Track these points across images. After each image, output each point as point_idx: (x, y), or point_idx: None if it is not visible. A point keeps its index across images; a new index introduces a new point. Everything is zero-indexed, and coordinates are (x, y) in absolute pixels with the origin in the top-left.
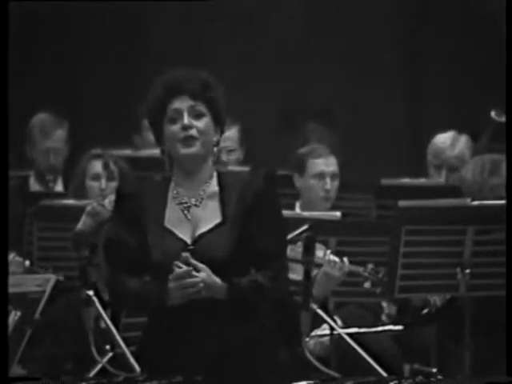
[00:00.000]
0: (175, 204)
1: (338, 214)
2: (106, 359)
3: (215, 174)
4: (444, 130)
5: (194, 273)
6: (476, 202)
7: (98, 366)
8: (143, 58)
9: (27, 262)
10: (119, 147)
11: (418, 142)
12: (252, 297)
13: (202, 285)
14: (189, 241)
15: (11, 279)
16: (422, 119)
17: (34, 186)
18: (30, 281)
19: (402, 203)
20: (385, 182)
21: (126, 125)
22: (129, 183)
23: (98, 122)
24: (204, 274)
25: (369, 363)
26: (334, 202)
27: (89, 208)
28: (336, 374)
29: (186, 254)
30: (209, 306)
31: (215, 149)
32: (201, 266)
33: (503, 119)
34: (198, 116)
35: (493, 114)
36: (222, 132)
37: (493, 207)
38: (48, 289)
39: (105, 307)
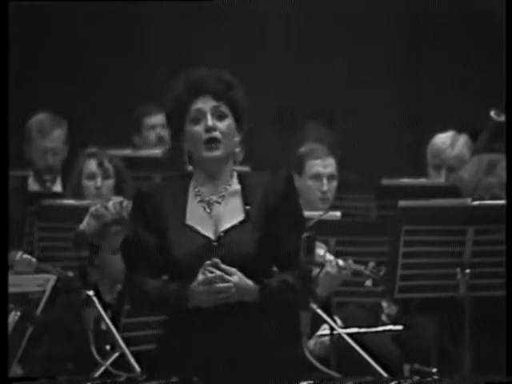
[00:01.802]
0: (196, 201)
1: (338, 213)
2: (110, 361)
3: (235, 174)
4: (444, 130)
5: (226, 277)
6: (476, 202)
7: (102, 368)
8: (143, 58)
9: (34, 260)
10: (119, 147)
11: (417, 142)
12: (282, 297)
13: (233, 290)
14: (212, 237)
15: (11, 279)
16: (421, 119)
17: (33, 185)
18: (30, 281)
19: (402, 203)
20: (385, 182)
21: (125, 125)
22: (147, 185)
23: (98, 122)
24: (236, 277)
25: (369, 363)
26: (334, 202)
27: (92, 209)
28: (336, 374)
29: (216, 260)
30: (232, 307)
31: (236, 149)
32: (233, 270)
33: (502, 119)
34: (220, 117)
35: (492, 113)
36: (244, 133)
37: (493, 207)
38: (48, 289)
39: (105, 307)
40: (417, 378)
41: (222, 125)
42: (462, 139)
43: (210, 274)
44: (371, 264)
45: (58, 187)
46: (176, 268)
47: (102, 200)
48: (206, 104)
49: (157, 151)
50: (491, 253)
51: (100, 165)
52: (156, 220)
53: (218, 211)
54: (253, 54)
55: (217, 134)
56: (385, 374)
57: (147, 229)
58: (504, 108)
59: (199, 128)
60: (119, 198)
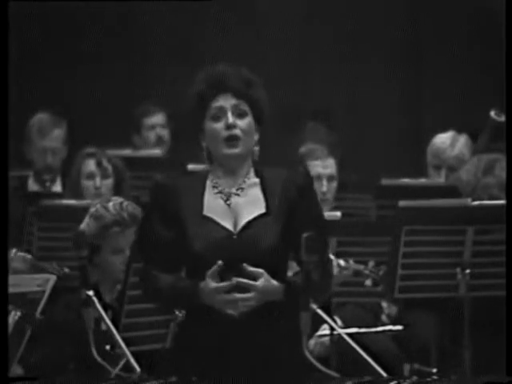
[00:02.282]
0: (214, 193)
1: (338, 213)
2: (119, 366)
3: (252, 170)
4: (444, 130)
5: (251, 283)
6: (476, 202)
7: (113, 373)
8: (143, 59)
9: (29, 257)
10: (119, 147)
11: (417, 142)
12: (305, 293)
13: (257, 296)
14: (232, 229)
15: (11, 279)
16: (421, 119)
17: (33, 186)
18: (30, 281)
19: (402, 203)
20: (385, 182)
21: (125, 125)
22: (164, 176)
23: (98, 122)
24: (262, 279)
25: (369, 363)
26: (334, 202)
27: (92, 210)
28: (336, 374)
29: (245, 264)
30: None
31: (255, 148)
32: (260, 271)
33: (503, 119)
34: (241, 115)
35: (492, 113)
36: (261, 131)
37: (493, 207)
38: (48, 289)
39: (105, 307)
40: (417, 378)
41: (243, 123)
42: (462, 139)
43: (236, 280)
44: (371, 263)
45: (57, 187)
46: (195, 260)
47: (102, 200)
48: (226, 102)
49: (157, 151)
50: (491, 253)
51: (99, 164)
52: (173, 212)
53: (237, 203)
54: (253, 54)
55: (237, 131)
56: (385, 374)
57: (164, 221)
58: (504, 108)
59: (219, 125)
60: (119, 199)
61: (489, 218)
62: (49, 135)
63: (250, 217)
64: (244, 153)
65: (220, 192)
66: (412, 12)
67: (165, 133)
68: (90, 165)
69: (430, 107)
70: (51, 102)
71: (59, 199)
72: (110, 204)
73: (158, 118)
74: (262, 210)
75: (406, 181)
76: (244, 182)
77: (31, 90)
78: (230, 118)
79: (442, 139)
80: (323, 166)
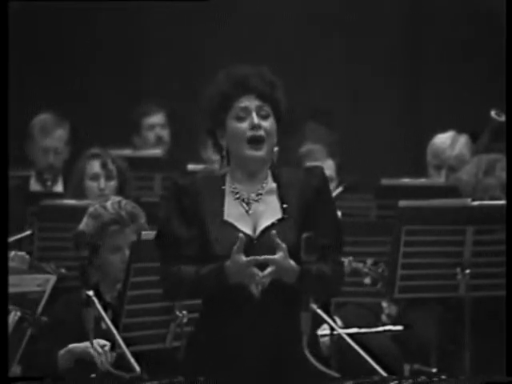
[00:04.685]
0: (233, 199)
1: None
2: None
3: (269, 172)
4: (444, 130)
5: (272, 257)
6: (476, 202)
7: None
8: (143, 59)
9: (27, 257)
10: (119, 147)
11: (417, 142)
12: (317, 286)
13: (275, 266)
14: (251, 234)
15: (11, 279)
16: (421, 119)
17: (35, 186)
18: (30, 281)
19: (402, 203)
20: (385, 181)
21: (125, 125)
22: (184, 177)
23: (98, 122)
24: (281, 253)
25: (369, 363)
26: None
27: (91, 209)
28: (336, 374)
29: (274, 232)
30: (264, 300)
31: (275, 149)
32: (282, 245)
33: (503, 119)
34: (264, 117)
35: (493, 113)
36: (280, 133)
37: (493, 207)
38: (48, 289)
39: (105, 307)
40: (417, 378)
41: (266, 124)
42: (462, 139)
43: (259, 257)
44: (370, 261)
45: (59, 187)
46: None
47: (101, 200)
48: (251, 102)
49: (157, 151)
50: (491, 253)
51: (104, 166)
52: (194, 214)
53: (256, 209)
54: (252, 54)
55: (262, 132)
56: (385, 374)
57: (185, 222)
58: (505, 108)
59: (244, 125)
60: (117, 198)
61: (489, 218)
62: (51, 135)
63: (269, 222)
64: (267, 155)
65: (239, 198)
66: (412, 12)
67: (164, 133)
68: (95, 166)
69: (429, 107)
70: (53, 103)
71: (60, 199)
72: (109, 203)
73: (157, 118)
74: (280, 215)
75: (406, 181)
76: (262, 187)
77: (32, 90)
78: (255, 119)
79: (442, 139)
80: None
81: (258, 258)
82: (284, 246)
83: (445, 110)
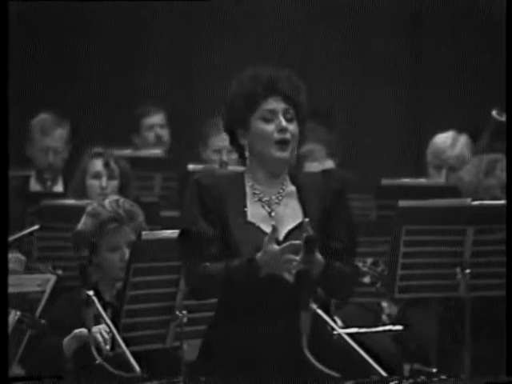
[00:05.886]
0: (255, 200)
1: None
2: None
3: (287, 175)
4: (444, 130)
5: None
6: (476, 202)
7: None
8: (144, 59)
9: (23, 258)
10: (119, 147)
11: (417, 142)
12: (337, 281)
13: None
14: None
15: (11, 279)
16: (421, 119)
17: (35, 186)
18: (30, 281)
19: (402, 203)
20: (385, 181)
21: (125, 125)
22: (204, 176)
23: (98, 122)
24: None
25: (369, 363)
26: None
27: (89, 208)
28: (336, 374)
29: (306, 220)
30: (282, 294)
31: (295, 152)
32: (314, 236)
33: (504, 118)
34: (289, 120)
35: (494, 113)
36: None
37: (493, 207)
38: (48, 289)
39: (105, 307)
40: (417, 377)
41: (292, 127)
42: (463, 139)
43: (294, 242)
44: (369, 260)
45: (59, 187)
46: None
47: (99, 199)
48: (278, 105)
49: (157, 151)
50: (491, 253)
51: (106, 165)
52: (217, 213)
53: (278, 211)
54: (252, 54)
55: (288, 135)
56: (385, 374)
57: (209, 221)
58: (505, 108)
59: (271, 127)
60: (115, 196)
61: (489, 218)
62: (51, 134)
63: (291, 225)
64: (290, 157)
65: (260, 200)
66: (412, 12)
67: (164, 133)
68: (97, 164)
69: (430, 107)
70: (53, 103)
71: (60, 199)
72: (107, 201)
73: (157, 118)
74: (301, 219)
75: (406, 181)
76: (282, 189)
77: (32, 90)
78: (283, 122)
79: (443, 139)
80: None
81: (294, 242)
82: (315, 235)
83: (445, 110)
